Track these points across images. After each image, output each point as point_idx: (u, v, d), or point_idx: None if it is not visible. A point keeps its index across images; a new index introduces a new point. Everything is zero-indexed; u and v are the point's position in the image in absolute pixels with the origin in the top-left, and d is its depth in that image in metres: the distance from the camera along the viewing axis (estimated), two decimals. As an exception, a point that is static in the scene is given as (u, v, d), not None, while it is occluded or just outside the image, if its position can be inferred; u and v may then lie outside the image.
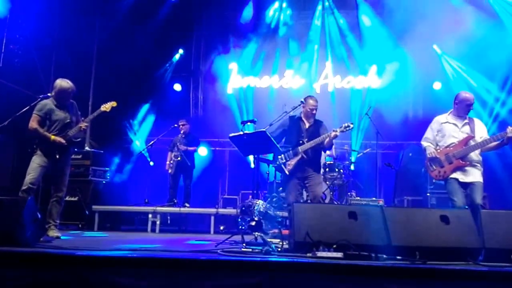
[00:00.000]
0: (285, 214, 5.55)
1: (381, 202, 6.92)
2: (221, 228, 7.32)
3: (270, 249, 3.68)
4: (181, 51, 11.50)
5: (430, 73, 9.62)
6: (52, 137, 5.00)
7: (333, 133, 4.97)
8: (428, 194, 7.59)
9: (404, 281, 2.83)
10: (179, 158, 8.03)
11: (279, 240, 4.41)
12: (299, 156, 5.07)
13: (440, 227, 3.63)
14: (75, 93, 5.27)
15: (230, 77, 10.97)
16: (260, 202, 4.44)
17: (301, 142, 5.13)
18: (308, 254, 3.43)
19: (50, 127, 5.07)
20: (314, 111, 5.28)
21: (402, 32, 9.17)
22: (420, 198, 7.88)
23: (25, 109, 5.14)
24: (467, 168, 4.66)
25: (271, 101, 10.55)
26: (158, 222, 7.35)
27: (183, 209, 7.58)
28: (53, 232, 4.92)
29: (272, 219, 4.52)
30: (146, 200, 8.38)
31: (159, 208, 7.47)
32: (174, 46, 11.49)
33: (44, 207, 5.10)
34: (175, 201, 8.00)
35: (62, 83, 5.15)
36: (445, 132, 4.86)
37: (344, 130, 5.02)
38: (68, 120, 5.15)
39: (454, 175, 4.68)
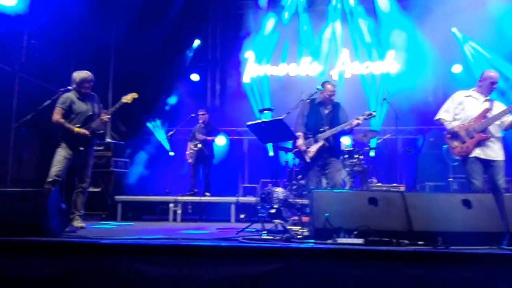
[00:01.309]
0: (305, 201, 5.53)
1: (402, 188, 6.83)
2: (242, 216, 7.35)
3: (290, 236, 3.68)
4: (197, 41, 11.49)
5: (449, 57, 9.39)
6: (76, 129, 5.05)
7: (355, 121, 4.92)
8: (450, 180, 7.45)
9: (427, 265, 2.80)
10: (198, 148, 8.07)
11: (299, 227, 4.41)
12: (320, 144, 5.02)
13: (462, 211, 3.56)
14: (95, 84, 5.32)
15: (246, 65, 10.92)
16: (279, 189, 4.45)
17: (321, 129, 5.08)
18: (329, 241, 3.40)
19: (73, 119, 5.13)
20: (332, 97, 5.23)
21: (419, 15, 8.96)
22: (442, 183, 7.74)
23: (46, 102, 5.20)
24: (488, 142, 4.55)
25: (288, 89, 10.43)
26: (179, 212, 7.42)
27: (203, 198, 7.64)
28: (77, 222, 5.00)
29: (291, 207, 4.52)
30: (167, 190, 8.46)
31: (180, 198, 7.54)
32: (191, 36, 11.50)
33: (69, 198, 5.19)
34: (196, 190, 8.07)
35: (80, 73, 5.21)
36: (466, 105, 4.74)
37: (367, 117, 4.97)
38: (90, 113, 5.19)
39: (475, 153, 4.56)
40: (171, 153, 9.93)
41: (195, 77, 11.36)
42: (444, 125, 4.84)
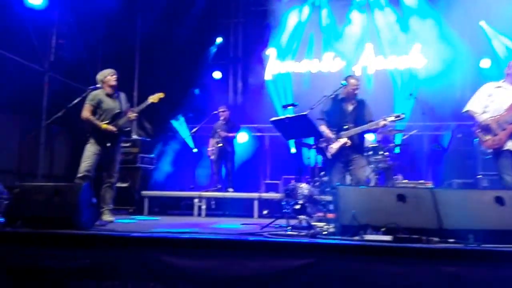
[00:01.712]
0: (328, 198, 5.48)
1: (429, 185, 6.69)
2: (265, 212, 7.34)
3: (316, 232, 3.66)
4: (219, 39, 11.52)
5: (477, 51, 9.12)
6: (104, 125, 5.15)
7: (382, 122, 4.79)
8: (480, 177, 7.26)
9: (458, 264, 2.74)
10: (220, 144, 8.10)
11: (324, 223, 4.38)
12: (343, 141, 4.93)
13: (495, 208, 3.46)
14: (120, 81, 5.43)
15: (268, 62, 10.88)
16: (304, 185, 4.42)
17: (345, 127, 4.97)
18: (356, 237, 3.36)
19: (101, 116, 5.23)
20: (356, 91, 5.10)
21: (446, 8, 8.75)
22: (470, 181, 7.52)
23: (76, 100, 5.32)
24: None
25: (310, 85, 10.38)
26: (204, 207, 7.47)
27: (227, 194, 7.67)
28: (107, 216, 5.09)
29: (316, 203, 4.48)
30: (192, 186, 8.53)
31: (204, 193, 7.59)
32: (213, 34, 11.53)
33: (98, 193, 5.28)
34: (219, 186, 8.10)
35: (103, 71, 5.38)
36: (495, 97, 4.59)
37: (395, 120, 4.82)
38: (118, 110, 5.29)
39: (508, 146, 4.42)
40: (195, 150, 9.99)
41: (217, 74, 11.39)
42: (473, 118, 4.71)
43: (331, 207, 4.97)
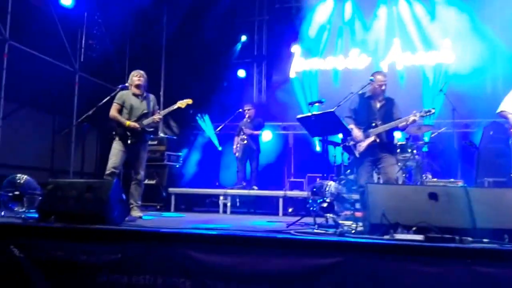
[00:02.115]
0: (356, 196, 5.39)
1: (460, 184, 6.50)
2: (290, 210, 7.30)
3: (344, 231, 3.59)
4: (244, 37, 11.51)
5: (510, 45, 8.77)
6: (127, 122, 5.25)
7: (411, 118, 4.66)
8: (513, 175, 7.00)
9: (493, 264, 2.64)
10: (245, 142, 8.09)
11: (351, 222, 4.30)
12: (371, 139, 4.83)
13: (532, 208, 3.33)
14: (148, 81, 5.49)
15: (293, 60, 10.80)
16: (332, 183, 4.35)
17: (373, 124, 4.86)
18: (386, 236, 3.28)
19: (128, 115, 5.33)
20: (383, 87, 4.96)
21: (478, 2, 8.45)
22: (503, 179, 7.25)
23: (106, 99, 5.42)
24: None
25: (335, 83, 10.26)
26: (228, 204, 7.48)
27: (252, 192, 7.66)
28: (135, 212, 5.16)
29: (344, 201, 4.41)
30: (217, 183, 8.56)
31: (229, 191, 7.61)
32: (237, 32, 11.53)
33: (127, 190, 5.35)
34: (244, 183, 8.09)
35: (133, 72, 5.48)
36: None
37: (425, 115, 4.68)
38: (145, 110, 5.38)
39: None
40: (219, 148, 10.02)
41: (241, 73, 11.41)
42: (507, 118, 4.55)
43: (358, 205, 4.90)
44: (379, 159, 4.87)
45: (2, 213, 4.58)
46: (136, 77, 5.40)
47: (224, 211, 7.45)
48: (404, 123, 4.73)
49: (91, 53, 9.44)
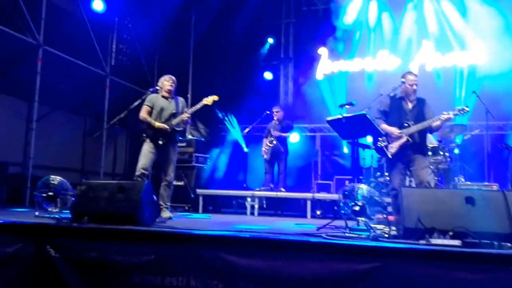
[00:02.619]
0: (388, 199, 5.27)
1: (495, 188, 6.28)
2: (318, 213, 7.22)
3: (377, 235, 3.50)
4: (271, 40, 11.51)
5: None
6: (157, 123, 5.30)
7: (445, 116, 4.53)
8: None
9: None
10: (273, 144, 8.04)
11: (383, 225, 4.20)
12: (404, 140, 4.72)
13: None
14: (177, 85, 5.55)
15: (320, 62, 10.71)
16: (364, 186, 4.25)
17: (406, 124, 4.75)
18: (422, 241, 3.18)
19: (157, 116, 5.38)
20: (414, 87, 4.83)
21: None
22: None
23: (137, 102, 5.49)
24: None
25: (364, 85, 10.11)
26: (256, 206, 7.45)
27: (280, 194, 7.60)
28: (165, 214, 5.19)
29: (376, 204, 4.30)
30: (245, 185, 8.54)
31: (257, 192, 7.58)
32: (264, 35, 11.54)
33: (156, 191, 5.38)
34: (271, 185, 8.04)
35: (163, 76, 5.57)
36: None
37: (459, 113, 4.52)
38: (173, 111, 5.43)
39: None
40: (246, 150, 10.02)
41: (268, 75, 11.41)
42: None
43: (390, 209, 4.78)
44: (412, 161, 4.74)
45: (37, 213, 4.66)
46: (168, 82, 5.49)
47: (252, 213, 7.43)
48: (438, 122, 4.59)
49: (121, 57, 9.62)
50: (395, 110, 4.90)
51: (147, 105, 5.41)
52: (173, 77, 5.58)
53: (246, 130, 8.50)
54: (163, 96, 5.46)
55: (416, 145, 4.74)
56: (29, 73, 7.44)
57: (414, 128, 4.69)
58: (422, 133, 4.80)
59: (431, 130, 4.80)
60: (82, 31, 8.51)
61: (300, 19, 11.41)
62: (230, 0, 10.60)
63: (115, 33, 9.65)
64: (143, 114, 5.39)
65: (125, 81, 9.67)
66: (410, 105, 4.87)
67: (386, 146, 4.78)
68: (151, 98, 5.47)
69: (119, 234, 3.27)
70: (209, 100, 5.48)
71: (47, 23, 7.61)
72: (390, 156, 4.77)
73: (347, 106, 4.89)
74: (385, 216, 4.29)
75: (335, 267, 2.80)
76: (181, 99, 5.62)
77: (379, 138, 4.83)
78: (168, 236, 3.13)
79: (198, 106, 5.48)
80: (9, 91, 8.37)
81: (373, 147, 5.13)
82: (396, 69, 9.65)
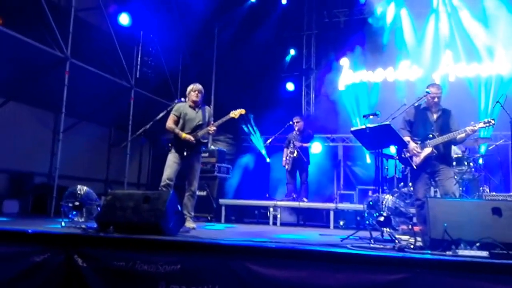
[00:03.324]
0: (413, 210, 5.19)
1: (522, 198, 6.12)
2: (341, 223, 7.16)
3: (403, 246, 3.46)
4: (292, 51, 11.60)
5: None
6: (184, 134, 5.33)
7: (470, 128, 4.46)
8: None
9: None
10: (294, 154, 8.03)
11: (409, 236, 4.15)
12: (429, 151, 4.65)
13: None
14: (204, 95, 5.61)
15: (341, 73, 10.72)
16: (389, 197, 4.22)
17: (430, 136, 4.68)
18: (448, 252, 3.13)
19: (183, 126, 5.42)
20: (436, 99, 4.78)
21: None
22: None
23: (163, 113, 5.52)
24: None
25: (385, 94, 10.02)
26: (279, 216, 7.43)
27: (302, 204, 7.58)
28: (189, 223, 5.20)
29: (401, 215, 4.26)
30: (267, 195, 8.55)
31: (279, 202, 7.56)
32: (286, 46, 11.62)
33: (180, 201, 5.42)
34: (294, 195, 8.01)
35: (192, 87, 5.54)
36: None
37: (484, 126, 4.45)
38: (200, 122, 5.45)
39: None
40: (269, 160, 10.04)
41: (290, 86, 11.47)
42: None
43: (415, 219, 4.72)
44: (437, 172, 4.68)
45: (63, 223, 4.74)
46: (194, 92, 5.49)
47: (274, 223, 7.41)
48: (463, 135, 4.52)
49: (146, 69, 9.80)
50: (419, 120, 4.86)
51: (174, 115, 5.44)
52: (200, 86, 5.56)
53: (269, 141, 8.51)
54: (190, 106, 5.49)
55: (441, 156, 4.68)
56: (57, 85, 7.60)
57: (438, 140, 4.63)
58: (447, 144, 4.73)
59: (455, 142, 4.73)
60: (108, 44, 8.70)
61: (322, 30, 11.48)
62: (252, 13, 10.75)
63: (140, 46, 9.84)
64: (170, 124, 5.42)
65: (150, 93, 9.83)
66: (434, 116, 4.82)
67: (411, 157, 4.73)
68: (178, 107, 5.49)
69: (146, 243, 3.31)
70: (236, 113, 5.51)
71: (74, 36, 7.80)
72: (414, 167, 4.72)
73: (371, 117, 4.86)
74: (410, 226, 4.23)
75: (360, 278, 2.78)
76: (207, 108, 5.64)
77: (404, 149, 4.78)
78: (195, 245, 3.15)
79: (225, 119, 5.50)
80: (37, 103, 8.61)
81: (397, 157, 5.08)
82: (418, 79, 9.61)
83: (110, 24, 8.75)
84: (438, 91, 4.82)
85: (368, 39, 10.38)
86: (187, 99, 5.54)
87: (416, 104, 4.91)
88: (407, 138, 4.76)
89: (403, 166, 7.58)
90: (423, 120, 4.82)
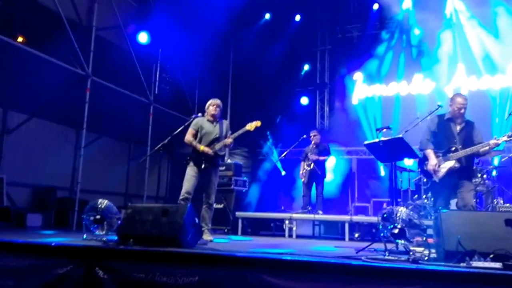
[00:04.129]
0: (427, 222, 5.15)
1: (535, 210, 6.04)
2: (356, 235, 7.11)
3: (417, 258, 3.45)
4: (306, 66, 11.71)
5: None
6: (202, 147, 5.40)
7: (493, 142, 4.37)
8: None
9: None
10: (311, 167, 8.06)
11: (423, 248, 4.12)
12: (451, 164, 4.59)
13: None
14: (222, 110, 5.70)
15: (355, 87, 10.77)
16: (403, 209, 4.20)
17: (453, 148, 4.60)
18: (462, 264, 3.12)
19: (201, 139, 5.50)
20: (462, 110, 4.66)
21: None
22: None
23: (181, 128, 5.62)
24: None
25: (399, 108, 10.04)
26: (294, 228, 7.42)
27: (318, 216, 7.56)
28: (206, 236, 5.25)
29: (415, 227, 4.23)
30: (282, 207, 8.56)
31: (295, 215, 7.55)
32: (300, 62, 11.75)
33: (198, 214, 5.48)
34: (309, 208, 8.02)
35: (211, 101, 5.61)
36: None
37: (508, 139, 4.36)
38: (217, 136, 5.51)
39: None
40: (283, 173, 10.07)
41: (304, 100, 11.55)
42: None
43: (430, 231, 4.67)
44: (458, 185, 4.59)
45: (85, 236, 4.82)
46: (213, 107, 5.57)
47: (290, 235, 7.40)
48: (486, 148, 4.43)
49: (164, 85, 9.98)
50: (443, 131, 4.75)
51: (193, 128, 5.53)
52: (218, 101, 5.65)
53: (284, 154, 8.56)
54: (208, 120, 5.58)
55: (463, 170, 4.58)
56: (78, 102, 7.79)
57: (461, 153, 4.54)
58: (470, 157, 4.63)
59: (478, 155, 4.63)
60: (128, 61, 8.90)
61: (335, 46, 11.57)
62: (267, 29, 10.92)
63: (158, 63, 10.05)
64: (189, 137, 5.51)
65: (168, 108, 9.98)
66: (458, 128, 4.71)
67: (434, 170, 4.66)
68: (197, 121, 5.58)
69: (164, 256, 3.36)
70: (252, 125, 5.53)
71: (95, 55, 8.01)
72: (437, 180, 4.67)
73: (384, 130, 4.87)
74: (424, 238, 4.20)
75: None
76: (225, 122, 5.71)
77: (426, 162, 4.73)
78: (213, 258, 3.18)
79: (241, 132, 5.54)
80: (59, 119, 8.83)
81: (419, 169, 5.04)
82: (431, 93, 9.64)
83: (129, 42, 8.97)
84: (465, 102, 4.70)
85: (381, 54, 10.43)
86: (205, 113, 5.63)
87: (428, 118, 4.89)
88: (429, 152, 4.70)
89: (416, 178, 7.58)
90: (447, 131, 4.73)
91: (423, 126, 4.98)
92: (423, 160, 4.79)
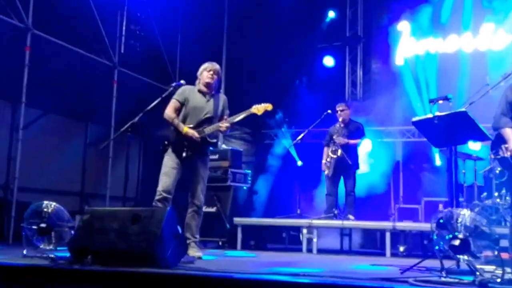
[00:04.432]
0: (500, 230, 5.15)
1: None
2: (401, 249, 7.17)
3: (486, 280, 3.45)
4: (332, 13, 11.58)
5: None
6: (185, 128, 5.31)
7: None
8: None
9: None
10: (337, 155, 8.03)
11: (494, 266, 4.12)
12: None
13: None
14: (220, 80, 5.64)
15: (399, 42, 10.71)
16: (466, 212, 4.18)
17: None
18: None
19: (186, 116, 5.41)
20: None
21: None
22: None
23: (155, 102, 5.31)
24: None
25: (461, 70, 9.98)
26: (315, 240, 7.44)
27: (347, 223, 7.58)
28: (193, 251, 5.27)
29: (484, 237, 4.22)
30: (298, 211, 8.57)
31: (315, 222, 7.56)
32: (323, 8, 11.62)
33: (181, 221, 5.45)
34: (335, 211, 8.02)
35: (205, 65, 5.53)
36: None
37: None
38: (209, 115, 5.44)
39: None
40: (300, 163, 10.06)
41: (329, 61, 11.46)
42: None
43: (504, 243, 4.66)
44: None
45: (25, 251, 4.83)
46: (208, 72, 5.48)
47: (309, 249, 7.44)
48: None
49: (134, 42, 9.91)
50: None
51: (177, 100, 5.43)
52: (217, 66, 5.57)
53: (300, 137, 8.55)
54: (199, 91, 5.50)
55: None
56: (14, 65, 7.72)
57: None
58: None
59: None
60: (83, 9, 8.79)
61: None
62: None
63: (125, 11, 9.96)
64: (170, 111, 5.41)
65: (138, 74, 9.94)
66: None
67: None
68: (183, 90, 5.49)
69: (136, 278, 3.36)
70: (259, 108, 5.44)
71: (37, 1, 7.92)
72: None
73: (440, 101, 4.84)
74: (496, 253, 4.20)
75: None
76: (222, 97, 5.67)
77: (503, 145, 4.67)
78: (202, 281, 3.20)
79: (243, 115, 5.45)
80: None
81: (493, 156, 5.01)
82: (507, 48, 9.57)
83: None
84: None
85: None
86: (197, 81, 5.55)
87: (502, 84, 4.82)
88: (507, 132, 4.64)
89: (486, 169, 7.54)
90: None
91: (496, 96, 4.90)
92: (497, 143, 4.73)
